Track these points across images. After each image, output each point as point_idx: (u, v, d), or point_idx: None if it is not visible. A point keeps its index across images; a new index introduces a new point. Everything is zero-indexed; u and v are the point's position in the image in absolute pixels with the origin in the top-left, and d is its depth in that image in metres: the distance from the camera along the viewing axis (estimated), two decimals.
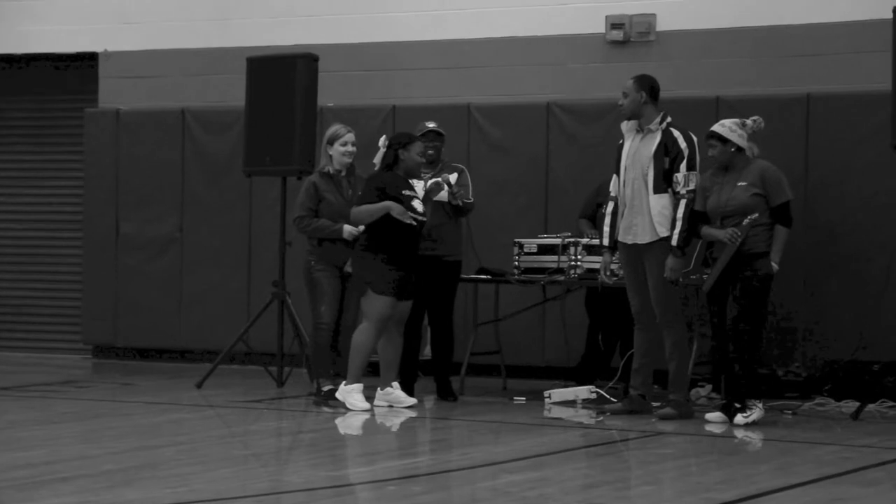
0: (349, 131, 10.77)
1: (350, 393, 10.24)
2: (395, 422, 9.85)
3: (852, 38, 11.74)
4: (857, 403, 10.07)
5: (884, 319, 11.05)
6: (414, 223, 10.16)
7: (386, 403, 10.34)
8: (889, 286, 10.84)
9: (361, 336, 10.21)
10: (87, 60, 14.21)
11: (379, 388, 10.41)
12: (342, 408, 10.26)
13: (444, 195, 10.63)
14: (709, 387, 10.79)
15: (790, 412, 10.20)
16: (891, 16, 9.94)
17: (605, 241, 10.15)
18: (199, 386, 11.31)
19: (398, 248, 10.20)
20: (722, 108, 11.79)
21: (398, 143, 10.32)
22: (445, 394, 10.85)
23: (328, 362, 10.70)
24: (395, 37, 13.15)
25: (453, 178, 10.75)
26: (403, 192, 10.21)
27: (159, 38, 13.92)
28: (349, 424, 9.85)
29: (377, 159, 10.42)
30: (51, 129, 14.60)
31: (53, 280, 14.51)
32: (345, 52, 13.14)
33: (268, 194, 12.70)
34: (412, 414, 10.16)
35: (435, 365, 10.98)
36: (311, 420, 10.07)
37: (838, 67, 11.80)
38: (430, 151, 10.74)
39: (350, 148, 10.72)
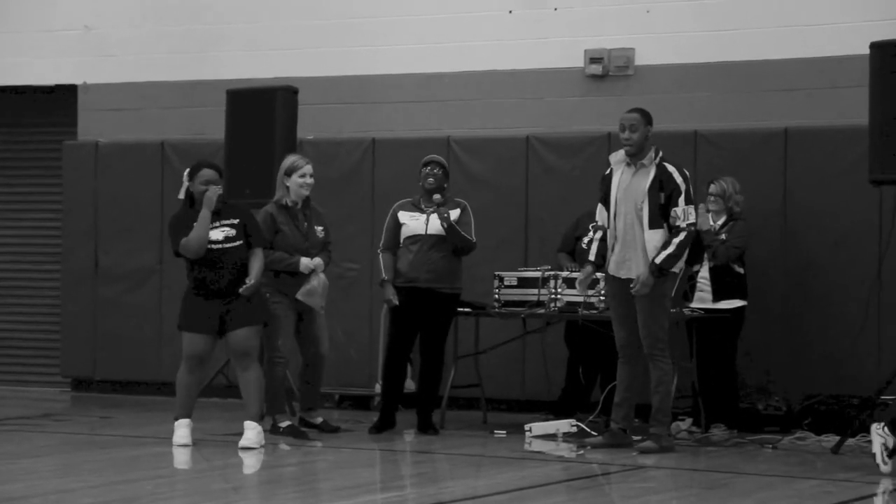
0: (307, 163, 10.71)
1: (176, 427, 10.06)
2: (173, 474, 9.33)
3: (830, 74, 11.80)
4: (838, 437, 10.08)
5: (863, 353, 11.08)
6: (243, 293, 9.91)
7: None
8: (868, 320, 10.87)
9: (178, 373, 10.07)
10: (67, 93, 14.19)
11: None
12: (303, 444, 10.22)
13: (437, 227, 10.63)
14: (689, 420, 10.80)
15: (770, 446, 10.20)
16: (867, 51, 10.01)
17: (592, 257, 10.12)
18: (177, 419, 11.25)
19: (206, 277, 9.98)
20: (700, 142, 11.85)
21: (189, 175, 10.14)
22: (426, 427, 10.82)
23: (284, 397, 10.67)
24: (375, 70, 13.17)
25: (455, 213, 10.76)
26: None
27: (139, 71, 13.91)
28: (192, 460, 9.69)
29: (181, 194, 10.27)
30: (30, 161, 14.55)
31: (32, 312, 14.44)
32: (324, 84, 13.15)
33: None
34: (219, 460, 9.68)
35: (419, 397, 10.95)
36: (290, 454, 10.03)
37: (816, 102, 11.87)
38: (430, 179, 10.74)
39: (308, 180, 10.66)
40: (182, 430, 10.04)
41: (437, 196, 10.71)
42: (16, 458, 9.59)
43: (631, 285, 9.82)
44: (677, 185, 9.86)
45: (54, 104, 14.34)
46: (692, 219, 9.85)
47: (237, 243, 10.01)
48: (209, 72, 13.56)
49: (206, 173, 10.12)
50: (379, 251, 10.89)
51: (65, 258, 13.92)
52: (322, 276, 10.59)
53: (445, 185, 10.84)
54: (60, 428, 11.46)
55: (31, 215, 14.52)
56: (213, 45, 13.74)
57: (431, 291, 10.69)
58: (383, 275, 10.77)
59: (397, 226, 10.82)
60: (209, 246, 9.94)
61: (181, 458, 9.74)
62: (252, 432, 9.91)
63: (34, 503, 7.79)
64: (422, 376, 10.90)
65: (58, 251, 14.10)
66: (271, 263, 10.51)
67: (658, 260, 9.80)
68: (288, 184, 10.66)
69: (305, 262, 10.54)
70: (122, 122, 13.93)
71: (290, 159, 10.74)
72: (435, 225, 10.71)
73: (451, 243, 10.73)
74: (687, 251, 9.93)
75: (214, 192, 9.99)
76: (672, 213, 9.84)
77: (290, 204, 10.66)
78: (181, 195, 10.29)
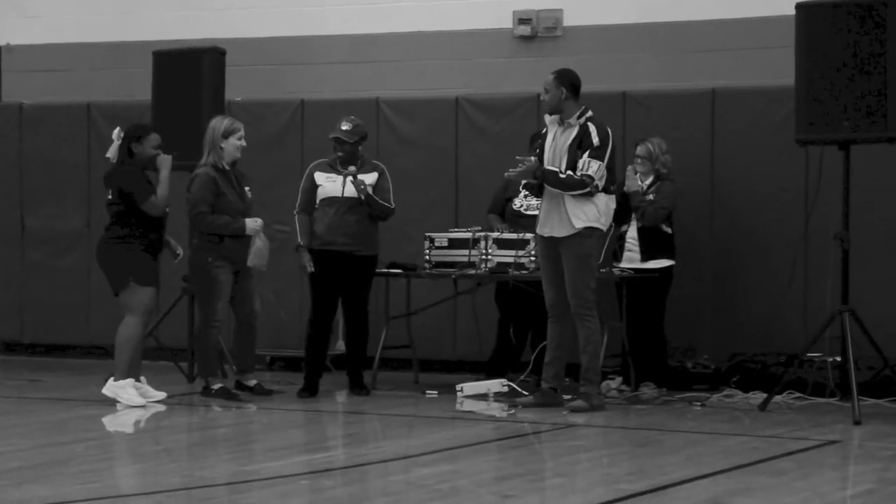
0: (241, 124, 10.67)
1: (123, 388, 10.13)
2: (103, 436, 9.40)
3: (756, 34, 11.89)
4: (765, 395, 10.21)
5: (789, 312, 11.21)
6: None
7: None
8: (794, 279, 10.99)
9: (128, 330, 10.15)
10: None
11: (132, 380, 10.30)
12: (233, 406, 10.22)
13: (353, 190, 10.62)
14: (619, 379, 10.88)
15: (699, 404, 10.31)
16: (793, 12, 10.09)
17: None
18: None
19: (154, 237, 10.24)
20: (628, 103, 11.90)
21: (132, 137, 10.27)
22: (358, 388, 10.84)
23: (217, 359, 10.69)
24: (305, 31, 13.12)
25: (372, 177, 10.71)
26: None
27: (63, 32, 13.78)
28: (124, 422, 9.75)
29: (111, 153, 10.34)
30: None
31: None
32: (253, 46, 13.09)
33: (175, 189, 12.57)
34: (160, 408, 10.10)
35: (348, 359, 10.96)
36: (222, 415, 10.03)
37: (743, 63, 11.96)
38: (340, 154, 10.69)
39: (244, 142, 10.62)
40: (132, 390, 10.13)
41: (351, 167, 10.66)
42: None
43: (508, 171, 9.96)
44: (591, 142, 9.92)
45: None
46: (591, 171, 9.85)
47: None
48: (136, 32, 13.46)
49: (157, 137, 10.32)
50: (295, 213, 10.80)
51: None
52: (265, 239, 10.53)
53: (360, 149, 10.80)
54: None
55: None
56: (140, 6, 13.64)
57: (349, 255, 10.66)
58: (299, 239, 10.71)
59: (313, 187, 10.73)
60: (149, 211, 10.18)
61: (111, 420, 9.71)
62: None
63: None
64: (349, 338, 10.89)
65: None
66: (217, 228, 10.46)
67: (545, 167, 9.87)
68: (223, 145, 10.56)
69: (251, 224, 10.48)
70: (47, 83, 13.80)
71: (227, 121, 10.64)
72: (351, 188, 10.64)
73: (371, 210, 10.71)
74: (568, 190, 9.86)
75: (167, 158, 10.22)
76: (578, 163, 9.89)
77: (226, 167, 10.60)
78: (112, 154, 10.27)
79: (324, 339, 10.84)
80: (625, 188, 10.80)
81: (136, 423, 9.77)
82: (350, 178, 10.60)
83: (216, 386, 10.55)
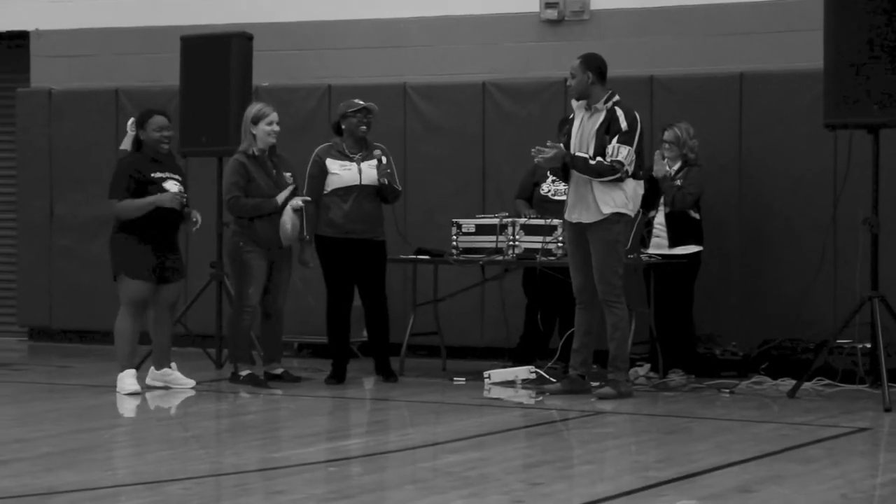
0: (273, 110, 10.64)
1: (121, 380, 10.10)
2: (132, 422, 9.45)
3: (785, 17, 11.81)
4: (794, 381, 10.17)
5: (818, 297, 11.16)
6: (184, 205, 10.13)
7: (162, 384, 10.34)
8: (823, 264, 10.93)
9: (119, 321, 10.13)
10: (18, 39, 14.06)
11: (153, 368, 10.39)
12: (261, 392, 10.24)
13: (374, 175, 10.57)
14: (647, 366, 10.85)
15: (727, 391, 10.28)
16: None
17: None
18: (137, 368, 11.20)
19: (152, 229, 10.07)
20: (656, 87, 11.86)
21: (138, 125, 10.16)
22: (385, 374, 10.83)
23: (248, 346, 10.67)
24: (331, 16, 13.10)
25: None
26: (152, 174, 10.08)
27: (92, 17, 13.79)
28: (153, 408, 9.82)
29: (125, 144, 10.27)
30: None
31: None
32: (280, 30, 13.08)
33: (204, 174, 12.61)
34: (191, 394, 10.20)
35: (373, 346, 10.95)
36: (250, 402, 10.05)
37: (771, 46, 11.88)
38: (363, 127, 10.66)
39: (276, 127, 10.58)
40: (129, 379, 10.10)
41: (377, 151, 10.59)
42: None
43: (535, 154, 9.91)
44: (620, 127, 9.88)
45: (6, 51, 14.22)
46: (621, 157, 9.82)
47: (186, 196, 10.17)
48: (164, 18, 13.46)
49: (159, 120, 10.12)
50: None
51: (20, 207, 13.84)
52: (292, 212, 10.47)
53: None
54: (18, 377, 11.44)
55: None
56: None
57: (368, 242, 10.61)
58: (304, 232, 10.58)
59: (323, 174, 10.58)
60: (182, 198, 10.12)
61: (140, 406, 9.74)
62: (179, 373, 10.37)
63: None
64: (371, 326, 10.82)
65: (12, 200, 14.02)
66: (250, 210, 10.47)
67: (574, 153, 9.83)
68: (254, 132, 10.56)
69: (279, 197, 10.44)
70: (75, 68, 13.81)
71: (256, 107, 10.65)
72: (370, 175, 10.57)
73: (384, 194, 10.66)
74: (598, 176, 9.83)
75: (176, 200, 10.03)
76: (606, 149, 9.86)
77: (257, 153, 10.58)
78: (126, 145, 10.23)
79: (345, 326, 10.77)
80: (653, 173, 10.76)
81: (166, 409, 9.80)
82: (377, 163, 10.56)
83: (244, 372, 10.57)
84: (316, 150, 10.71)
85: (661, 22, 12.24)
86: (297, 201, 10.43)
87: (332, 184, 10.59)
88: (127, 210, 10.00)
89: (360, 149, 10.65)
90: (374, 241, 10.67)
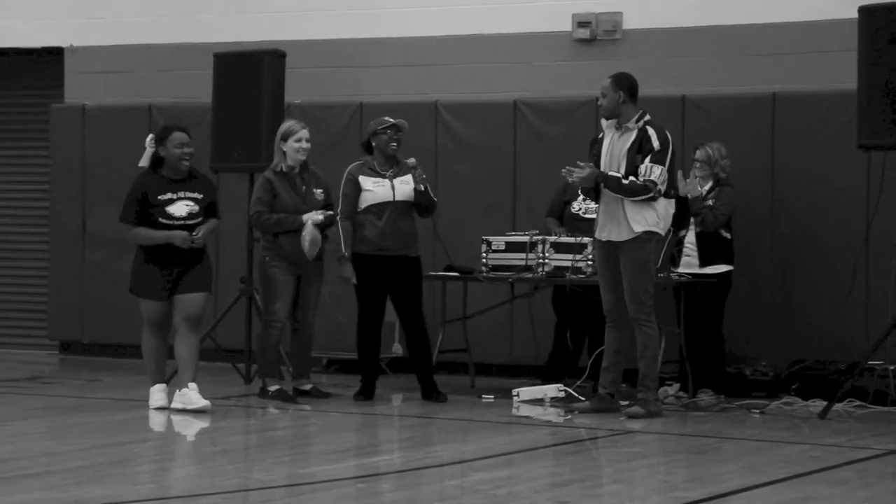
0: (303, 127, 10.67)
1: (151, 393, 10.08)
2: (162, 437, 9.40)
3: (818, 38, 11.79)
4: (825, 403, 10.12)
5: (850, 318, 11.11)
6: (193, 245, 9.82)
7: (180, 405, 9.90)
8: (855, 285, 10.89)
9: (143, 340, 10.12)
10: (53, 55, 14.14)
11: (177, 390, 9.99)
12: (290, 408, 10.22)
13: (407, 191, 10.57)
14: (677, 385, 10.83)
15: (758, 411, 10.24)
16: (856, 15, 10.00)
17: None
18: (167, 382, 11.25)
19: (161, 248, 9.84)
20: (688, 107, 11.85)
21: (157, 141, 9.92)
22: (432, 394, 10.67)
23: (277, 361, 10.66)
24: (363, 34, 13.14)
25: (411, 177, 10.69)
26: (160, 196, 9.80)
27: (125, 34, 13.86)
28: (182, 423, 9.62)
29: (144, 161, 10.01)
30: (16, 124, 14.52)
31: (20, 276, 14.43)
32: (312, 48, 13.12)
33: (235, 190, 12.64)
34: (204, 424, 9.57)
35: (416, 365, 10.79)
36: (279, 417, 10.06)
37: (804, 67, 11.86)
38: (394, 144, 10.68)
39: (304, 144, 10.61)
40: (159, 394, 10.05)
41: (411, 160, 10.63)
42: (5, 421, 9.61)
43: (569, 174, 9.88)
44: (652, 146, 9.88)
45: (41, 67, 14.30)
46: (653, 176, 9.82)
47: (197, 220, 9.90)
48: (197, 34, 13.52)
49: (179, 136, 9.94)
50: (338, 219, 10.58)
51: (52, 222, 13.91)
52: (311, 227, 10.44)
53: None
54: (49, 391, 11.48)
55: (19, 178, 14.50)
56: (201, 8, 13.70)
57: (402, 258, 10.60)
58: (343, 249, 10.52)
59: (357, 191, 10.56)
60: (169, 221, 9.80)
61: (169, 421, 9.75)
62: (195, 392, 9.87)
63: (23, 465, 7.81)
64: (412, 344, 10.77)
65: (45, 214, 14.09)
66: (273, 226, 10.51)
67: (607, 173, 9.83)
68: (284, 149, 10.62)
69: (305, 216, 10.45)
70: (109, 85, 13.88)
71: (287, 124, 10.71)
72: (403, 191, 10.59)
73: (421, 206, 10.65)
74: (631, 195, 9.82)
75: (186, 241, 9.79)
76: (639, 170, 9.85)
77: (286, 169, 10.62)
78: (144, 162, 10.04)
79: (375, 342, 10.74)
80: (683, 192, 10.73)
81: (195, 424, 9.82)
82: (412, 170, 10.55)
83: (273, 388, 10.59)
84: (348, 168, 10.73)
85: (694, 42, 12.23)
86: (316, 215, 10.46)
87: (365, 201, 10.60)
88: (136, 238, 9.90)
89: (390, 166, 10.67)
90: (409, 258, 10.66)
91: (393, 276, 10.60)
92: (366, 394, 10.70)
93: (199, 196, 9.97)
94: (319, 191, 10.70)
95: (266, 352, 10.63)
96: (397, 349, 11.77)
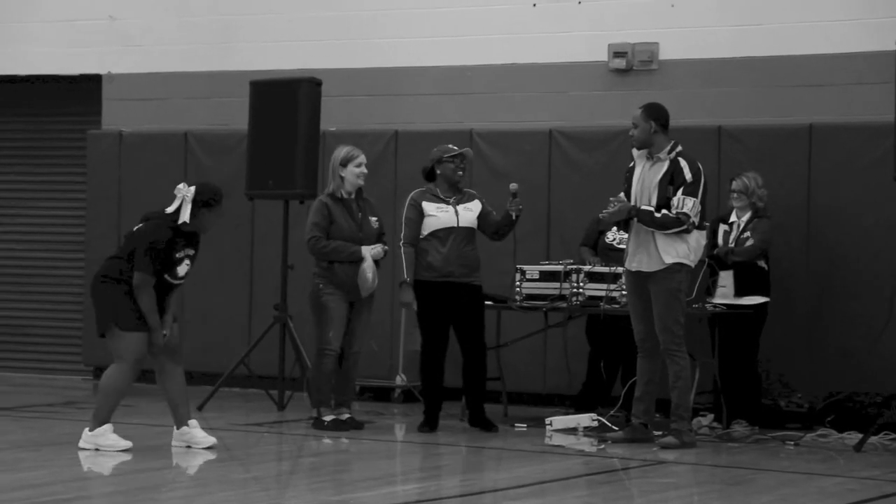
0: (362, 153, 10.62)
1: (103, 436, 9.26)
2: (193, 463, 9.09)
3: (855, 69, 11.77)
4: (860, 435, 10.06)
5: (886, 350, 11.05)
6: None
7: (184, 444, 9.44)
8: (891, 317, 10.81)
9: (113, 378, 9.27)
10: (91, 82, 14.23)
11: (175, 428, 9.49)
12: (343, 437, 10.18)
13: (471, 218, 10.58)
14: (710, 416, 10.78)
15: (792, 443, 10.18)
16: (893, 48, 9.97)
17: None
18: (199, 409, 11.27)
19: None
20: (724, 137, 11.83)
21: (205, 200, 9.21)
22: (481, 423, 10.58)
23: (329, 390, 10.54)
24: (398, 62, 13.17)
25: (477, 204, 10.69)
26: (177, 255, 9.27)
27: (162, 61, 13.95)
28: (214, 449, 9.35)
29: (173, 208, 9.25)
30: (54, 150, 14.62)
31: (55, 301, 14.50)
32: (348, 76, 13.16)
33: (270, 217, 12.69)
34: (211, 456, 9.23)
35: (469, 393, 10.70)
36: (312, 444, 10.05)
37: (841, 98, 11.83)
38: (461, 173, 10.67)
39: (364, 169, 10.56)
40: (112, 436, 9.35)
41: (514, 185, 10.60)
42: (39, 446, 9.64)
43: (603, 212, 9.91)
44: (684, 178, 9.86)
45: (79, 94, 14.39)
46: (686, 209, 9.81)
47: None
48: (233, 62, 13.58)
49: (222, 207, 9.37)
50: (401, 245, 10.60)
51: (88, 247, 13.95)
52: (371, 263, 10.42)
53: None
54: (83, 416, 11.41)
55: (56, 204, 14.58)
56: (238, 36, 13.76)
57: (466, 285, 10.56)
58: (405, 275, 10.51)
59: (421, 217, 10.59)
60: (171, 281, 9.37)
61: (201, 447, 9.74)
62: (199, 430, 9.46)
63: (56, 490, 7.82)
64: (468, 371, 10.62)
65: (81, 240, 14.15)
66: (332, 253, 10.43)
67: (640, 207, 9.81)
68: (343, 174, 10.52)
69: (366, 250, 10.41)
70: (146, 111, 13.96)
71: (345, 149, 10.58)
72: (466, 217, 10.60)
73: (502, 231, 10.69)
74: (663, 228, 9.80)
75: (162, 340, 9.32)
76: (671, 202, 9.84)
77: (344, 195, 10.57)
78: (175, 210, 9.23)
79: (439, 372, 10.59)
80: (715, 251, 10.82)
81: (228, 450, 9.82)
82: (510, 200, 10.53)
83: (328, 418, 10.47)
84: (411, 195, 10.72)
85: (730, 72, 12.21)
86: (379, 249, 10.44)
87: (429, 226, 10.58)
88: (139, 297, 9.22)
89: (453, 193, 10.66)
90: (472, 286, 10.61)
91: (458, 304, 10.53)
92: (430, 424, 10.55)
93: (193, 252, 9.42)
94: (374, 218, 10.65)
95: (321, 381, 10.49)
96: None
